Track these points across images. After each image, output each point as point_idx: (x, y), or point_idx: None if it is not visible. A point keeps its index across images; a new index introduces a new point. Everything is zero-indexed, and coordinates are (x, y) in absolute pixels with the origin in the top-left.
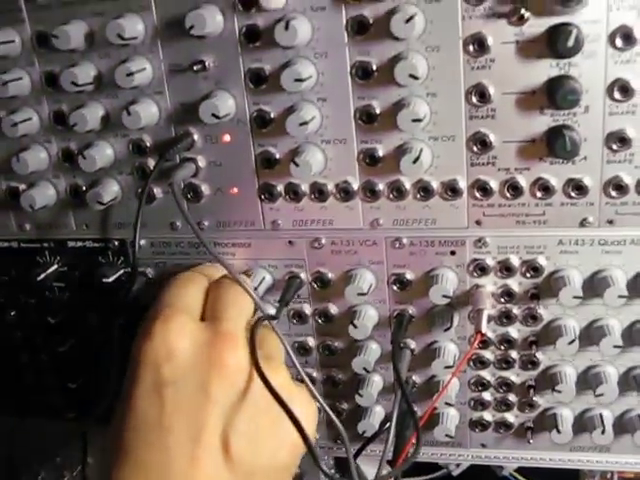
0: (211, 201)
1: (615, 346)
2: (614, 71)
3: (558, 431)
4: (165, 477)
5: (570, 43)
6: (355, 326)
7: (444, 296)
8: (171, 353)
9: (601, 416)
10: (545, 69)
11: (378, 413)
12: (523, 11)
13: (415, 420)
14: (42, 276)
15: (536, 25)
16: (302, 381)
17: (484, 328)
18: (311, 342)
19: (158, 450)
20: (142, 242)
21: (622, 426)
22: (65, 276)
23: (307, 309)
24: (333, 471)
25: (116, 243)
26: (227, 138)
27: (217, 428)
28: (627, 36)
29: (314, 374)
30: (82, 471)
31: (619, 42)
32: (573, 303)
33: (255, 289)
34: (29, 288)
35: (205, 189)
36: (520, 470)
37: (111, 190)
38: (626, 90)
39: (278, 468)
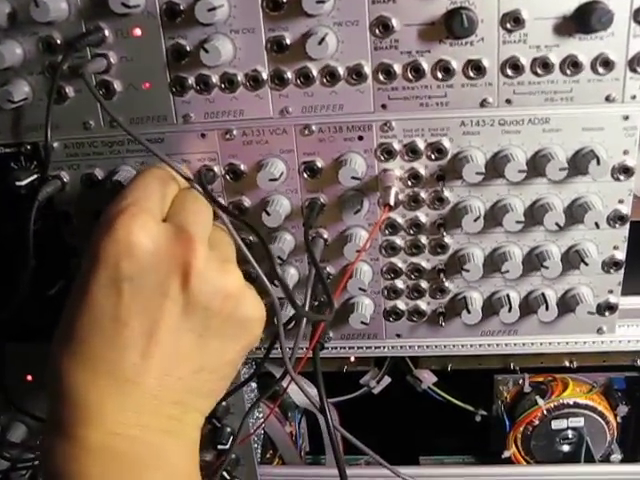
0: (124, 97)
1: (517, 222)
2: None
3: (468, 311)
4: (116, 369)
5: None
6: (268, 213)
7: (353, 177)
8: (132, 249)
9: (508, 296)
10: None
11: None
12: None
13: (327, 292)
14: None
15: None
16: (256, 279)
17: (392, 201)
18: None
19: (111, 342)
20: (55, 144)
21: (528, 307)
22: None
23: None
24: None
25: (28, 147)
26: (138, 32)
27: (171, 326)
28: None
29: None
30: None
31: None
32: (476, 179)
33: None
34: None
35: (117, 85)
36: (438, 385)
37: (21, 90)
38: None
39: (225, 364)
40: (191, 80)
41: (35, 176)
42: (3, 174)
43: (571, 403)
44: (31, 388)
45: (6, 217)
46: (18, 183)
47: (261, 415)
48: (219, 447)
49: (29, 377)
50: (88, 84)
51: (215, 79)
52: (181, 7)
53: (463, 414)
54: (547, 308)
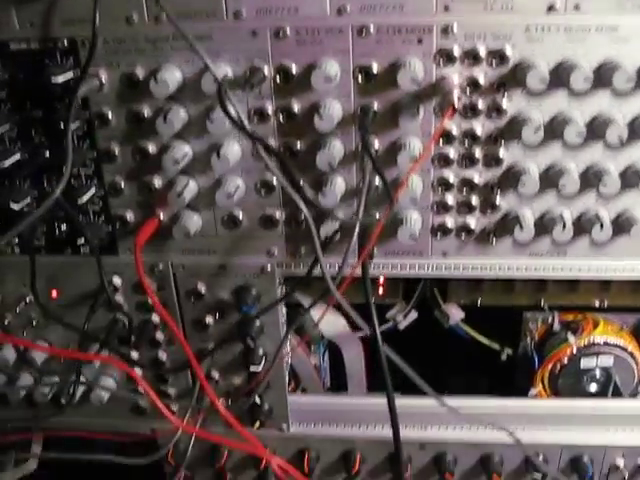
0: None
1: (578, 133)
2: None
3: (521, 227)
4: None
5: None
6: (321, 117)
7: (413, 80)
8: None
9: (561, 215)
10: None
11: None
12: None
13: (388, 189)
14: None
15: None
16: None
17: (456, 102)
18: (272, 143)
19: None
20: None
21: (580, 228)
22: (7, 85)
23: (269, 107)
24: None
25: (65, 42)
26: None
27: None
28: None
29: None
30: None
31: None
32: (540, 87)
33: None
34: None
35: None
36: (466, 321)
37: None
38: None
39: None
40: None
41: (72, 73)
42: (37, 71)
43: (601, 342)
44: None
45: (40, 116)
46: (54, 79)
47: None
48: (252, 368)
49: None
50: None
51: None
52: None
53: (489, 352)
54: (602, 227)
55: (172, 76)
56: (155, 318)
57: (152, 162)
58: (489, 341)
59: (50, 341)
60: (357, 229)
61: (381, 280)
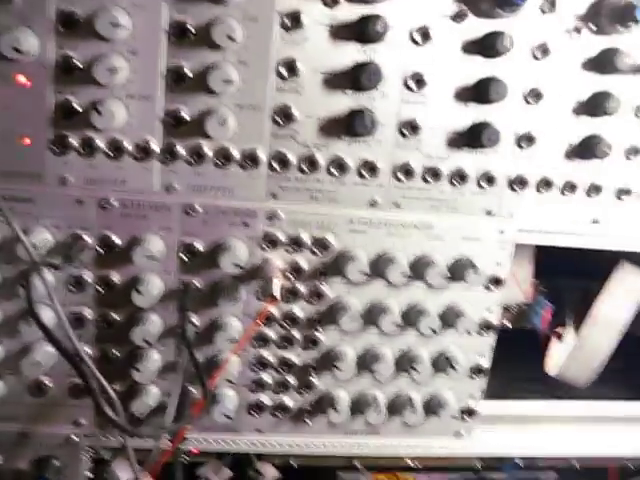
0: None
1: (394, 323)
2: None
3: (335, 410)
4: None
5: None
6: (139, 292)
7: (235, 265)
8: None
9: (375, 397)
10: (352, 53)
11: (153, 394)
12: None
13: (203, 381)
14: None
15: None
16: (80, 360)
17: (277, 293)
18: (88, 314)
19: None
20: None
21: (394, 408)
22: None
23: (88, 276)
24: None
25: None
26: (22, 79)
27: None
28: (425, 34)
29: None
30: None
31: (418, 37)
32: (360, 278)
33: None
34: None
35: None
36: None
37: None
38: (420, 81)
39: None
40: (75, 141)
41: None
42: None
43: None
44: None
45: None
46: None
47: None
48: None
49: None
50: None
51: (101, 143)
52: (78, 63)
53: None
54: (413, 410)
55: None
56: None
57: None
58: None
59: None
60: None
61: None
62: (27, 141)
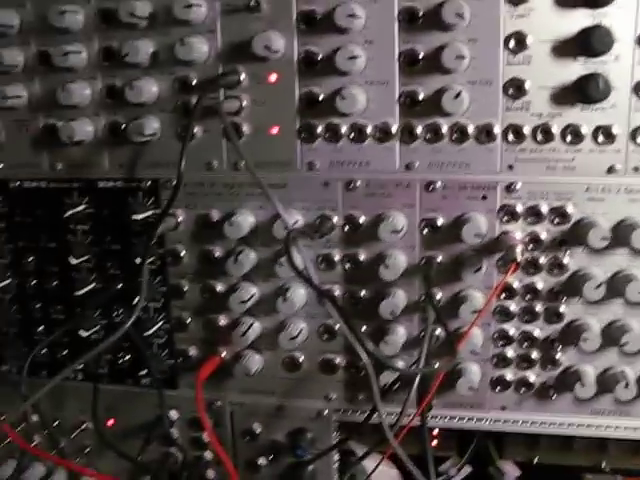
0: (250, 140)
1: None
2: None
3: (582, 384)
4: None
5: None
6: (386, 266)
7: (477, 235)
8: None
9: (623, 372)
10: (580, 18)
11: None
12: None
13: (450, 335)
14: (69, 213)
15: None
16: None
17: (519, 257)
18: (337, 291)
19: None
20: (175, 182)
21: None
22: (91, 218)
23: (336, 255)
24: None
25: (148, 183)
26: (273, 77)
27: None
28: None
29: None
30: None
31: None
32: (601, 245)
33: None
34: (53, 229)
35: (245, 128)
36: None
37: (152, 125)
38: None
39: None
40: (320, 128)
41: (151, 212)
42: (119, 208)
43: None
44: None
45: (117, 250)
46: (135, 217)
47: None
48: None
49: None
50: (225, 123)
51: (344, 129)
52: (319, 56)
53: None
54: None
55: (246, 220)
56: (208, 455)
57: (219, 301)
58: None
59: (100, 470)
60: (417, 380)
61: (435, 431)
62: (278, 132)
